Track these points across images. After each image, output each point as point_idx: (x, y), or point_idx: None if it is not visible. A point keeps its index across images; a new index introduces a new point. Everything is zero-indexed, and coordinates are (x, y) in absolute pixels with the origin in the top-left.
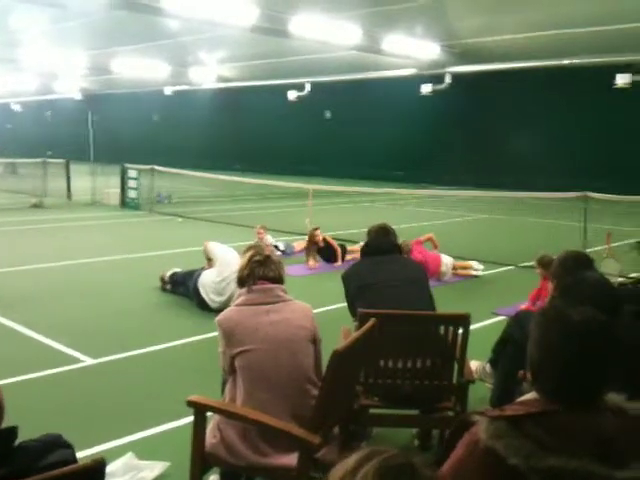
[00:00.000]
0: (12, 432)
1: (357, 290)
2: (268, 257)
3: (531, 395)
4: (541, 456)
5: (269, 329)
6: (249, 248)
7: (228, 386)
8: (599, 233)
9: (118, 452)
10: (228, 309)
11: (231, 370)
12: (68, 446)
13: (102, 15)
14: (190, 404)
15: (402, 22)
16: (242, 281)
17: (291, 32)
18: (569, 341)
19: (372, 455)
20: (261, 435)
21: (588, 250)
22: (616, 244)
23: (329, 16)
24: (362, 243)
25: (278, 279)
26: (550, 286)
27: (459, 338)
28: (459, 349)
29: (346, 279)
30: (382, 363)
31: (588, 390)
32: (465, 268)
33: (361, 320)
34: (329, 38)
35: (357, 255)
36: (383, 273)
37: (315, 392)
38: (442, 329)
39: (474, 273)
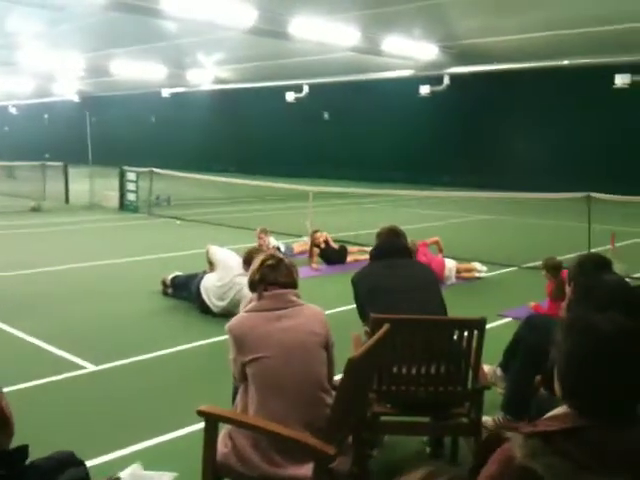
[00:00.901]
0: (23, 451)
1: (368, 294)
2: (281, 261)
3: (562, 409)
4: (579, 475)
5: (281, 336)
6: (250, 252)
7: (239, 394)
8: (603, 234)
9: (124, 462)
10: (239, 315)
11: (242, 377)
12: (80, 463)
13: (99, 17)
14: (201, 414)
15: (400, 23)
16: (253, 285)
17: (289, 34)
18: (599, 353)
19: (434, 474)
20: (274, 445)
21: (592, 251)
22: (619, 244)
23: (327, 18)
24: (364, 247)
25: (290, 284)
26: (568, 290)
27: (474, 343)
28: (474, 354)
29: (356, 283)
30: (395, 369)
31: (623, 403)
32: (469, 270)
33: (374, 325)
34: (327, 40)
35: (358, 257)
36: (395, 277)
37: (329, 400)
38: (456, 334)
39: (477, 275)
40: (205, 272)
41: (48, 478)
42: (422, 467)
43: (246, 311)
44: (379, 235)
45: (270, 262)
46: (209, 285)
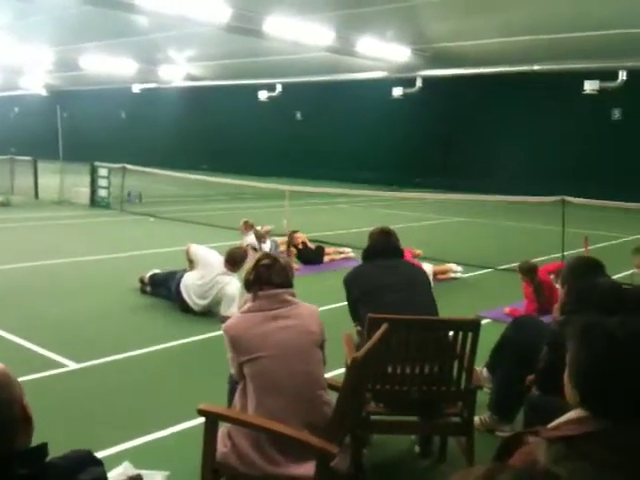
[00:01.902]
0: (43, 450)
1: (361, 294)
2: (276, 261)
3: (578, 413)
4: (603, 478)
5: (278, 335)
6: (232, 251)
7: (238, 394)
8: (576, 237)
9: (113, 461)
10: (234, 316)
11: (241, 377)
12: (98, 463)
13: (70, 11)
14: (201, 413)
15: (374, 25)
16: (248, 285)
17: (263, 32)
18: (616, 357)
19: (502, 468)
20: (273, 444)
21: (566, 253)
22: (592, 247)
23: (301, 17)
24: (339, 247)
25: (285, 284)
26: (561, 292)
27: (468, 343)
28: (468, 354)
29: (349, 283)
30: (390, 369)
31: None
32: (445, 272)
33: (370, 325)
34: (301, 39)
35: (334, 257)
36: (387, 276)
37: (326, 398)
38: (450, 334)
39: (453, 275)
40: (185, 270)
41: (68, 477)
42: (481, 465)
43: (242, 312)
44: (371, 235)
45: (265, 261)
46: (189, 283)
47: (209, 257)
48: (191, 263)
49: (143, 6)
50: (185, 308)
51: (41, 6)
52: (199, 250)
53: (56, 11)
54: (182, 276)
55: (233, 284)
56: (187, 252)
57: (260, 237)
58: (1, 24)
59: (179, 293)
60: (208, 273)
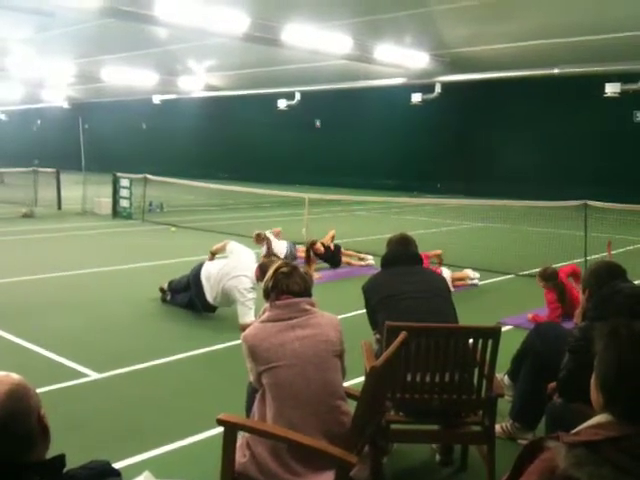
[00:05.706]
0: (60, 461)
1: (379, 301)
2: (295, 269)
3: (601, 418)
4: None
5: (296, 345)
6: (265, 263)
7: (256, 403)
8: (599, 241)
9: (133, 470)
10: (253, 326)
11: (260, 385)
12: (116, 473)
13: (90, 23)
14: (220, 422)
15: (391, 31)
16: (267, 293)
17: (282, 41)
18: None
19: None
20: (292, 453)
21: (589, 258)
22: (613, 252)
23: (319, 25)
24: (360, 253)
25: (304, 292)
26: (582, 297)
27: (488, 351)
28: (488, 362)
29: (367, 291)
30: (409, 377)
31: None
32: (462, 279)
33: (389, 333)
34: (319, 47)
35: (351, 261)
36: (406, 284)
37: (345, 407)
38: (471, 342)
39: (470, 282)
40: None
41: None
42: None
43: (261, 321)
44: (389, 243)
45: (284, 269)
46: (213, 272)
47: (243, 254)
48: (213, 255)
49: (162, 18)
50: (198, 296)
51: (62, 20)
52: (237, 247)
53: (77, 24)
54: (202, 264)
55: (241, 281)
56: (223, 248)
57: (270, 245)
58: (23, 38)
59: (197, 281)
60: (233, 262)
